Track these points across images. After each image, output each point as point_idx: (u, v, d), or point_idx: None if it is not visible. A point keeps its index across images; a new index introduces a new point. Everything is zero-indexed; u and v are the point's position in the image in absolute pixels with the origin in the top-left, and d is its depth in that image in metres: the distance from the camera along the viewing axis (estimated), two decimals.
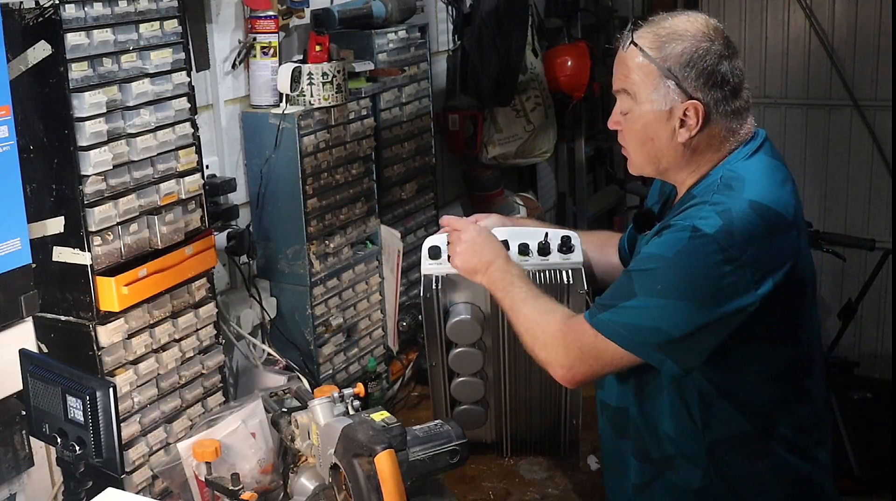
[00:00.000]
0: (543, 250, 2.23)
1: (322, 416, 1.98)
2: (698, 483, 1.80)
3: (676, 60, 1.69)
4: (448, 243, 2.12)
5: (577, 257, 2.23)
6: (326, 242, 2.68)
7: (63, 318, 2.04)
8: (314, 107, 2.57)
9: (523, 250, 2.24)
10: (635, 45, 1.72)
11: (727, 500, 1.81)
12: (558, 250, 2.24)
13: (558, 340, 1.78)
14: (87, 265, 1.98)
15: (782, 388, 1.77)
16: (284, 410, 2.17)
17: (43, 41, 1.88)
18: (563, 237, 2.24)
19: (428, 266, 2.26)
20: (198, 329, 2.26)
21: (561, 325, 1.79)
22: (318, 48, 2.60)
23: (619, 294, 1.71)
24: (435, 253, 2.26)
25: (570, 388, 1.85)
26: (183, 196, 2.17)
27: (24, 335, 1.94)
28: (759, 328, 1.68)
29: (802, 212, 1.79)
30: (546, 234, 2.24)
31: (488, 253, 1.99)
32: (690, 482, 1.80)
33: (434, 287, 2.24)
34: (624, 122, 1.78)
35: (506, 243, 2.25)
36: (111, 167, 1.99)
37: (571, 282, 2.20)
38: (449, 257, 2.10)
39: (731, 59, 1.71)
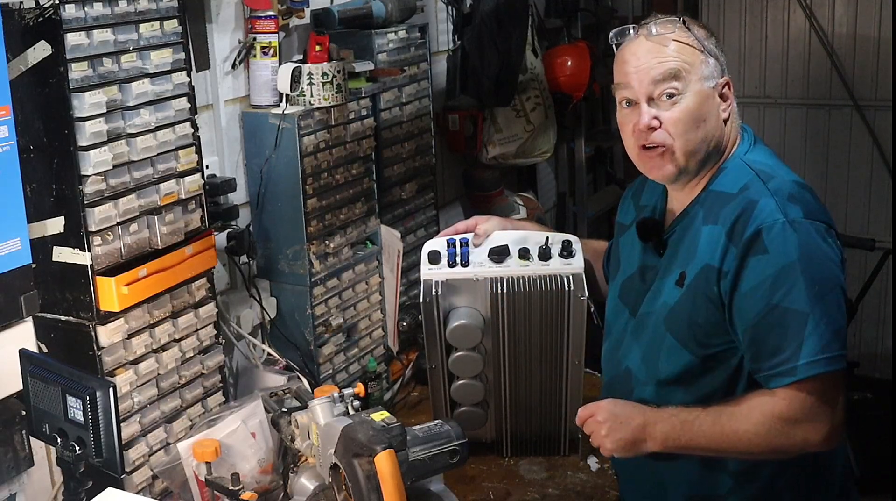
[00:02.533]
0: (544, 254, 2.23)
1: (322, 416, 1.98)
2: (770, 483, 1.77)
3: (708, 40, 1.76)
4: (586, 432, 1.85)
5: (578, 261, 2.22)
6: (326, 242, 2.68)
7: (63, 318, 2.04)
8: (314, 107, 2.57)
9: (524, 254, 2.24)
10: (684, 23, 1.75)
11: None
12: (559, 255, 2.24)
13: (793, 423, 1.64)
14: (87, 265, 1.98)
15: None
16: (284, 410, 2.17)
17: (43, 41, 1.88)
18: (564, 242, 2.24)
19: (428, 271, 2.26)
20: (198, 329, 2.26)
21: (779, 411, 1.64)
22: (318, 48, 2.60)
23: (792, 331, 1.61)
24: (434, 258, 2.27)
25: (836, 446, 1.70)
26: (183, 196, 2.17)
27: (24, 335, 1.94)
28: None
29: None
30: (547, 239, 2.24)
31: (634, 416, 1.75)
32: (763, 485, 1.78)
33: (434, 292, 2.24)
34: (673, 109, 1.72)
35: (507, 248, 2.25)
36: (111, 167, 1.99)
37: (572, 287, 2.20)
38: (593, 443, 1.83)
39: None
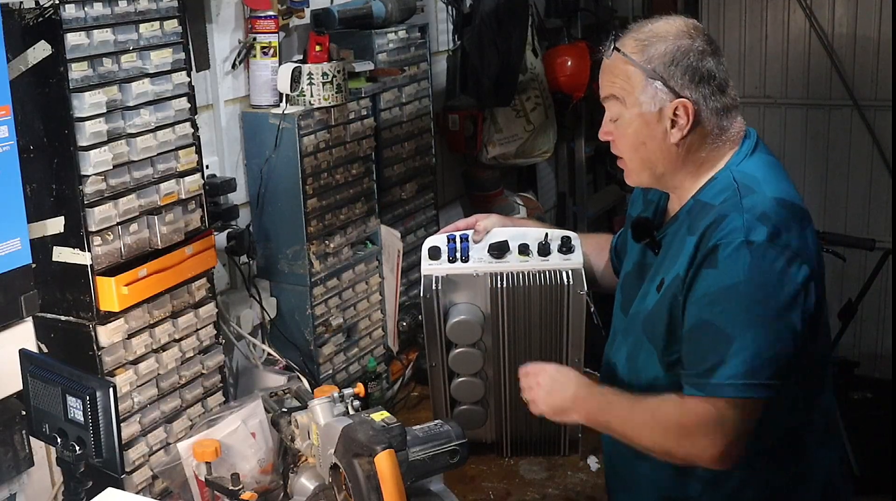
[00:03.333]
0: (543, 250, 2.24)
1: (322, 416, 1.98)
2: (739, 492, 1.77)
3: (660, 60, 1.69)
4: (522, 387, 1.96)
5: (577, 257, 2.23)
6: (326, 242, 2.68)
7: (63, 318, 2.04)
8: (314, 107, 2.57)
9: (523, 250, 2.25)
10: (618, 50, 1.73)
11: None
12: (558, 251, 2.25)
13: (685, 432, 1.66)
14: (87, 265, 1.98)
15: (810, 382, 1.76)
16: (284, 410, 2.17)
17: (43, 41, 1.88)
18: (563, 238, 2.25)
19: (428, 267, 2.27)
20: (198, 329, 2.26)
21: (677, 417, 1.67)
22: (318, 48, 2.60)
23: (715, 349, 1.62)
24: (435, 254, 2.27)
25: (729, 468, 1.69)
26: (183, 196, 2.17)
27: (24, 335, 1.94)
28: None
29: None
30: (546, 234, 2.25)
31: (569, 386, 1.85)
32: (731, 492, 1.78)
33: (434, 288, 2.25)
34: (615, 129, 1.78)
35: (506, 244, 2.25)
36: (111, 167, 1.99)
37: (572, 283, 2.21)
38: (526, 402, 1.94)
39: (715, 56, 1.72)
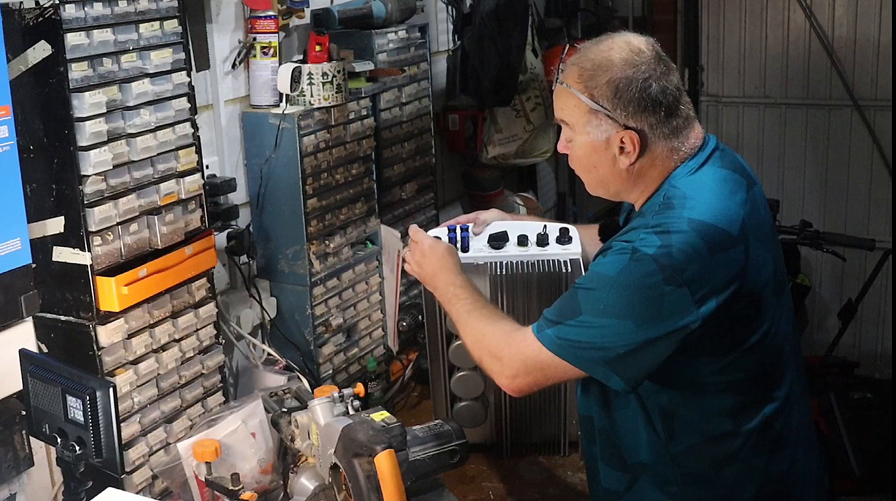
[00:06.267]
0: (542, 240, 2.26)
1: (322, 416, 1.98)
2: (668, 490, 1.80)
3: (603, 92, 1.69)
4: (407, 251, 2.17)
5: (575, 247, 2.25)
6: (326, 242, 2.68)
7: (63, 318, 2.04)
8: (314, 107, 2.57)
9: (522, 241, 2.27)
10: (562, 84, 1.75)
11: None
12: (557, 242, 2.26)
13: (504, 350, 1.78)
14: (87, 265, 1.98)
15: (743, 396, 1.77)
16: (284, 410, 2.17)
17: (43, 41, 1.88)
18: (561, 229, 2.28)
19: None
20: (198, 329, 2.26)
21: (507, 336, 1.80)
22: (318, 48, 2.61)
23: (565, 311, 1.71)
24: None
25: (514, 396, 1.89)
26: (183, 196, 2.17)
27: (24, 335, 1.94)
28: (709, 343, 1.68)
29: (764, 218, 1.78)
30: (545, 226, 2.28)
31: (435, 265, 2.04)
32: (661, 490, 1.81)
33: None
34: (569, 150, 1.80)
35: (504, 235, 2.27)
36: (111, 167, 1.99)
37: (570, 271, 2.22)
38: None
39: (663, 78, 1.70)
